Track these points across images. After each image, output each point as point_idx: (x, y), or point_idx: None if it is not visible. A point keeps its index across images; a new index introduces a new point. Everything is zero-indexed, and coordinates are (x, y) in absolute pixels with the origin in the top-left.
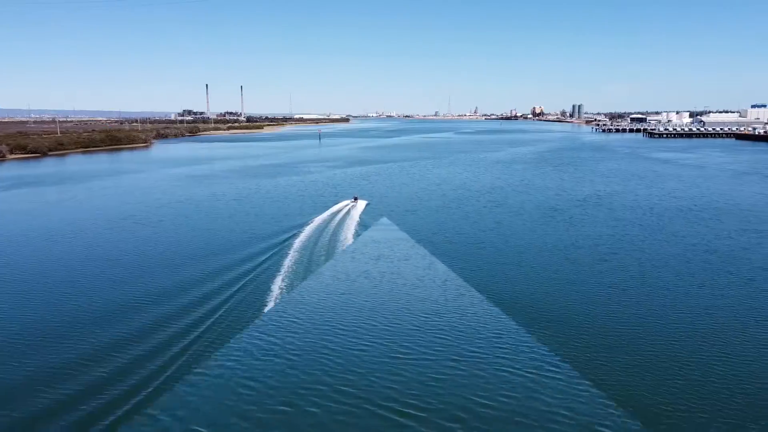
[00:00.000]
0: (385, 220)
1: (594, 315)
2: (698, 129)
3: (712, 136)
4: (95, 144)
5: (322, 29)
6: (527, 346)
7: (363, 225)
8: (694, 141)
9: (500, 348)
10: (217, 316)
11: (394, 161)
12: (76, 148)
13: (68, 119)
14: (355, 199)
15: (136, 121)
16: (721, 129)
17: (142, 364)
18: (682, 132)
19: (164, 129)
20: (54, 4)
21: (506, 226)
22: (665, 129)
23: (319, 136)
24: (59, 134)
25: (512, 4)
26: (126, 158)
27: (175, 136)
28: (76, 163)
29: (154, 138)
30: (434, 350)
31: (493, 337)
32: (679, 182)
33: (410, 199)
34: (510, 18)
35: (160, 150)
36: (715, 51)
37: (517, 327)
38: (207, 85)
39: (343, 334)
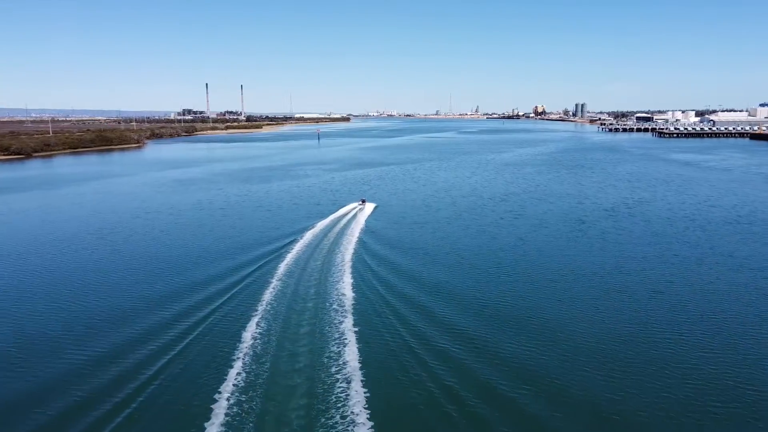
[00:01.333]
0: (390, 233)
1: (670, 378)
2: (710, 129)
3: (724, 136)
4: (85, 145)
5: (322, 28)
6: (581, 406)
7: (366, 242)
8: (706, 141)
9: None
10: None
11: (397, 163)
12: (64, 148)
13: (68, 119)
14: (363, 201)
15: (135, 121)
16: (734, 129)
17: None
18: (693, 132)
19: (160, 129)
20: (55, 3)
21: (531, 244)
22: (675, 128)
23: (318, 136)
24: (51, 134)
25: (513, 3)
26: (114, 160)
27: (171, 135)
28: (59, 165)
29: (147, 138)
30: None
31: (535, 398)
32: (712, 188)
33: (417, 208)
34: (511, 17)
35: (152, 151)
36: (717, 49)
37: (566, 383)
38: (207, 85)
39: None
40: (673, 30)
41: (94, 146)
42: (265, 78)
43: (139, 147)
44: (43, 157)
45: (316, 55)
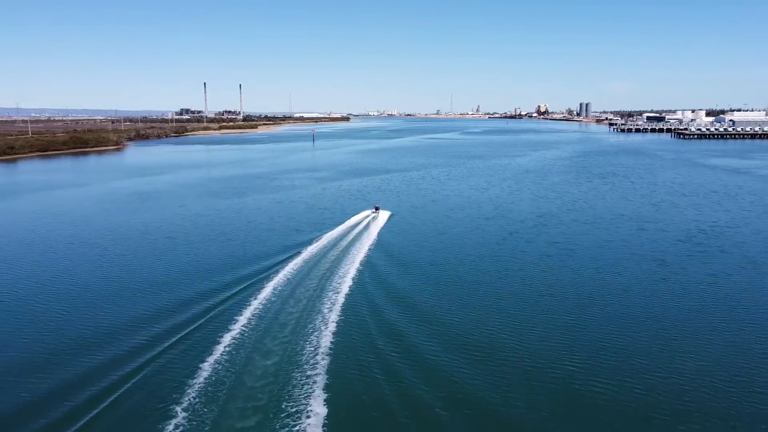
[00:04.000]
0: (395, 289)
1: None
2: (734, 129)
3: (750, 137)
4: (56, 147)
5: (322, 27)
6: None
7: (373, 291)
8: (731, 143)
9: None
10: None
11: (399, 170)
12: (31, 151)
13: (64, 119)
14: (376, 209)
15: (129, 120)
16: (760, 129)
17: None
18: (716, 133)
19: (147, 129)
20: (53, 2)
21: (610, 307)
22: (698, 129)
23: (313, 138)
24: (29, 135)
25: (513, 3)
26: (80, 165)
27: (158, 136)
28: (12, 172)
29: (130, 139)
30: None
31: None
32: None
33: (430, 236)
34: (511, 17)
35: (131, 154)
36: (718, 48)
37: None
38: (205, 84)
39: None
40: (673, 29)
41: (67, 149)
42: (265, 77)
43: (118, 149)
44: (4, 161)
45: (316, 55)
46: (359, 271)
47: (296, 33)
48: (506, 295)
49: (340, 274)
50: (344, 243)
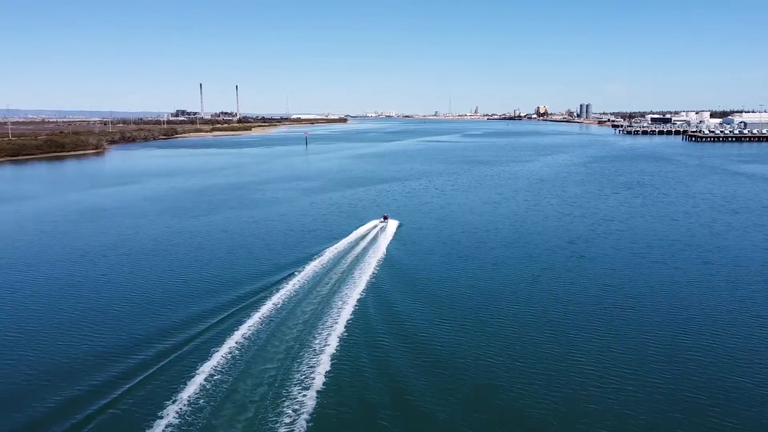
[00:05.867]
0: (406, 331)
1: None
2: (749, 131)
3: (766, 140)
4: (29, 151)
5: (320, 29)
6: None
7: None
8: (746, 146)
9: None
10: None
11: (397, 179)
12: (0, 155)
13: (59, 120)
14: (385, 218)
15: (122, 122)
16: None
17: None
18: (730, 135)
19: (134, 131)
20: (56, 2)
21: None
22: (711, 131)
23: (306, 141)
24: (9, 137)
25: (512, 4)
26: (47, 172)
27: (145, 139)
28: None
29: (113, 142)
30: None
31: None
32: None
33: (442, 275)
34: (510, 18)
35: (109, 159)
36: (719, 49)
37: None
38: (201, 85)
39: None
40: (672, 30)
41: (41, 153)
42: (262, 79)
43: (98, 153)
44: None
45: (314, 56)
46: (360, 305)
47: (294, 34)
48: (555, 365)
49: (340, 302)
50: (346, 263)
